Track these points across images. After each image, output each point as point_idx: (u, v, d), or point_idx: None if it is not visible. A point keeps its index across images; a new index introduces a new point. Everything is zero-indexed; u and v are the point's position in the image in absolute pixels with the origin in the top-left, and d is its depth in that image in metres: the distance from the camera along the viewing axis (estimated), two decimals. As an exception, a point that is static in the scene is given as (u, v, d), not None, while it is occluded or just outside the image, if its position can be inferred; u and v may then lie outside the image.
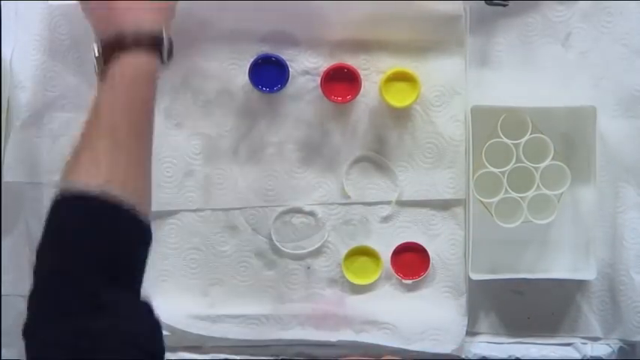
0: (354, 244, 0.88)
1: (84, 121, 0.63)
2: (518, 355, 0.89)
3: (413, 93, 0.83)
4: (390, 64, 0.85)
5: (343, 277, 0.88)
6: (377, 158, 0.87)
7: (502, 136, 0.84)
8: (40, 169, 0.85)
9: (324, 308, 0.87)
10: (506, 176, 0.84)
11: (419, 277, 0.88)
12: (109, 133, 0.62)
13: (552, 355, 0.89)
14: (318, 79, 0.84)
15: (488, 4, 0.84)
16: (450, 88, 0.86)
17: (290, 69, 0.84)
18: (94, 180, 0.59)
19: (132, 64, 0.64)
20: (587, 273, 0.86)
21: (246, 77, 0.83)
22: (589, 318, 0.90)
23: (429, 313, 0.87)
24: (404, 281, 0.88)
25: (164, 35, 0.67)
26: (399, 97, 0.84)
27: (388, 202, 0.88)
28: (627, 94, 0.87)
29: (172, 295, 0.87)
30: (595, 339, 0.90)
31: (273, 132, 0.86)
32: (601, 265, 0.88)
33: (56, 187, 0.60)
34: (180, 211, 0.87)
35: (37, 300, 0.57)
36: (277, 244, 0.87)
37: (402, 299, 0.89)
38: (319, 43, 0.85)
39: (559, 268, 0.89)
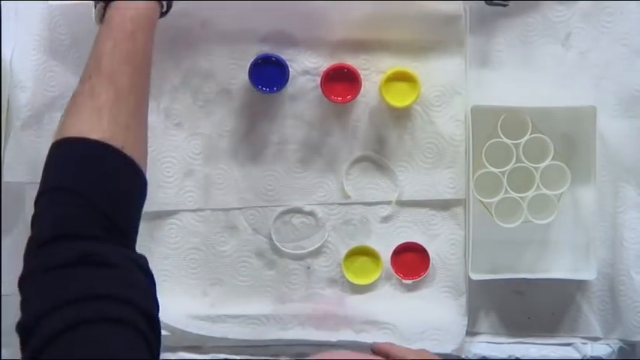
0: (354, 244, 0.88)
1: (85, 65, 0.63)
2: (518, 355, 0.89)
3: (413, 93, 0.83)
4: (390, 64, 0.85)
5: (343, 277, 0.88)
6: (377, 158, 0.87)
7: (502, 136, 0.84)
8: (40, 169, 0.84)
9: (324, 308, 0.87)
10: (506, 176, 0.84)
11: (419, 277, 0.88)
12: (111, 82, 0.61)
13: (552, 355, 0.90)
14: (318, 79, 0.84)
15: (488, 4, 0.84)
16: (450, 88, 0.86)
17: (290, 69, 0.84)
18: (95, 133, 0.59)
19: (132, 7, 0.64)
20: (587, 273, 0.86)
21: (246, 77, 0.83)
22: (589, 318, 0.90)
23: (429, 313, 0.87)
24: (404, 281, 0.88)
25: None
26: (399, 97, 0.84)
27: (388, 202, 0.88)
28: (627, 94, 0.87)
29: (172, 295, 0.87)
30: (595, 339, 0.90)
31: (273, 132, 0.86)
32: (601, 265, 0.88)
33: (56, 134, 0.60)
34: (180, 211, 0.87)
35: (35, 250, 0.56)
36: (277, 244, 0.87)
37: (402, 299, 0.89)
38: (319, 43, 0.85)
39: (559, 268, 0.89)
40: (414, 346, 0.85)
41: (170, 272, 0.88)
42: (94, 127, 0.59)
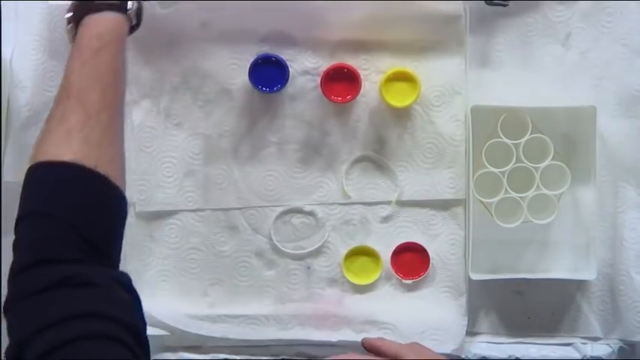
0: (354, 244, 0.88)
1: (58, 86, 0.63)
2: (518, 355, 0.89)
3: (413, 93, 0.83)
4: (390, 64, 0.85)
5: (343, 277, 0.88)
6: (377, 158, 0.87)
7: (502, 136, 0.84)
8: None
9: (324, 308, 0.87)
10: (506, 176, 0.84)
11: (419, 277, 0.88)
12: (80, 103, 0.61)
13: (552, 355, 0.89)
14: (318, 79, 0.84)
15: (488, 4, 0.84)
16: (450, 88, 0.86)
17: (290, 69, 0.84)
18: (67, 155, 0.59)
19: (98, 24, 0.65)
20: (587, 273, 0.86)
21: (246, 77, 0.83)
22: (589, 318, 0.90)
23: (429, 313, 0.87)
24: (404, 281, 0.88)
25: None
26: (399, 97, 0.84)
27: (388, 202, 0.88)
28: (627, 94, 0.87)
29: (172, 295, 0.87)
30: (595, 339, 0.90)
31: (273, 132, 0.86)
32: (601, 265, 0.88)
33: (30, 159, 0.60)
34: (180, 211, 0.87)
35: (15, 276, 0.56)
36: (277, 244, 0.87)
37: (402, 299, 0.89)
38: (319, 43, 0.85)
39: (559, 268, 0.89)
40: (414, 346, 0.86)
41: (170, 272, 0.88)
42: (65, 149, 0.59)
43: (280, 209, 0.87)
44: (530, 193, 0.85)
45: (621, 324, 0.88)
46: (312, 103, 0.86)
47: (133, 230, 0.86)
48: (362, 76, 0.84)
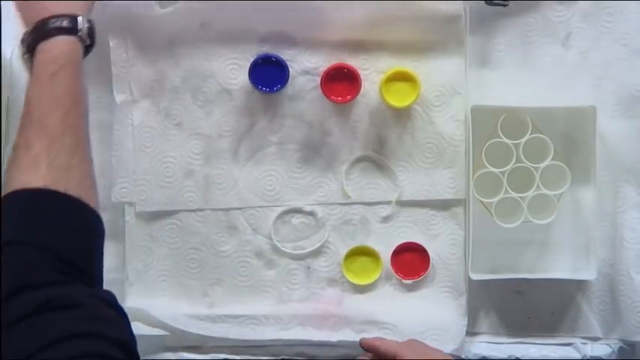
0: (354, 244, 0.88)
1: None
2: (518, 355, 0.89)
3: (413, 93, 0.83)
4: (390, 64, 0.85)
5: (343, 277, 0.88)
6: (377, 158, 0.87)
7: (502, 136, 0.84)
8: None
9: (324, 308, 0.87)
10: (506, 176, 0.84)
11: (419, 277, 0.88)
12: (42, 129, 0.61)
13: (552, 355, 0.89)
14: (318, 79, 0.84)
15: (488, 4, 0.84)
16: (450, 88, 0.86)
17: (290, 69, 0.84)
18: (36, 182, 0.59)
19: (51, 49, 0.65)
20: (587, 273, 0.86)
21: (246, 77, 0.83)
22: (589, 318, 0.90)
23: (429, 313, 0.87)
24: (404, 281, 0.88)
25: (80, 18, 0.67)
26: (399, 97, 0.84)
27: (388, 202, 0.88)
28: (627, 94, 0.87)
29: (172, 295, 0.87)
30: (595, 339, 0.90)
31: (273, 132, 0.86)
32: (601, 265, 0.88)
33: (3, 189, 0.60)
34: (180, 211, 0.87)
35: None
36: (277, 244, 0.87)
37: (402, 299, 0.89)
38: (319, 43, 0.85)
39: (559, 268, 0.89)
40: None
41: (170, 272, 0.88)
42: (34, 176, 0.60)
43: (280, 209, 0.87)
44: (530, 193, 0.85)
45: (621, 324, 0.88)
46: (312, 103, 0.86)
47: (133, 230, 0.87)
48: (362, 76, 0.84)
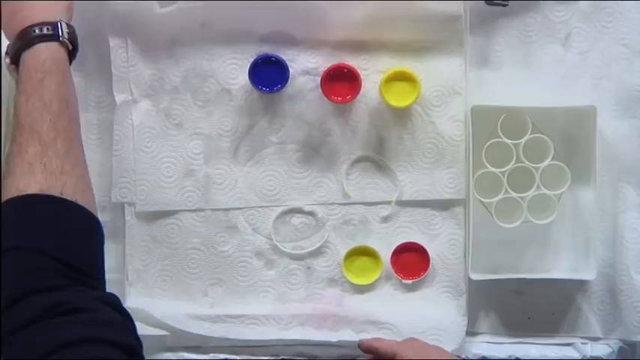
0: (354, 244, 0.88)
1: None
2: (518, 355, 0.89)
3: (413, 93, 0.83)
4: (390, 64, 0.85)
5: (343, 277, 0.88)
6: (377, 158, 0.87)
7: (502, 136, 0.84)
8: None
9: (324, 308, 0.87)
10: (506, 176, 0.84)
11: (419, 277, 0.88)
12: (33, 135, 0.62)
13: (552, 355, 0.89)
14: (318, 79, 0.84)
15: (488, 4, 0.84)
16: (450, 88, 0.86)
17: (290, 69, 0.84)
18: (32, 187, 0.60)
19: (35, 57, 0.65)
20: (587, 273, 0.86)
21: (246, 77, 0.83)
22: (589, 318, 0.90)
23: (429, 313, 0.87)
24: (404, 281, 0.88)
25: (61, 24, 0.68)
26: (399, 97, 0.84)
27: (388, 202, 0.88)
28: (627, 94, 0.87)
29: (172, 295, 0.87)
30: (595, 339, 0.90)
31: (273, 132, 0.86)
32: (601, 265, 0.88)
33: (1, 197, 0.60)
34: (180, 211, 0.87)
35: (3, 312, 0.55)
36: (277, 244, 0.87)
37: (402, 299, 0.89)
38: (319, 43, 0.85)
39: (559, 268, 0.89)
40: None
41: (170, 272, 0.88)
42: (29, 182, 0.60)
43: (280, 209, 0.87)
44: (530, 193, 0.85)
45: (621, 324, 0.88)
46: (312, 103, 0.86)
47: (133, 230, 0.87)
48: (362, 76, 0.84)
